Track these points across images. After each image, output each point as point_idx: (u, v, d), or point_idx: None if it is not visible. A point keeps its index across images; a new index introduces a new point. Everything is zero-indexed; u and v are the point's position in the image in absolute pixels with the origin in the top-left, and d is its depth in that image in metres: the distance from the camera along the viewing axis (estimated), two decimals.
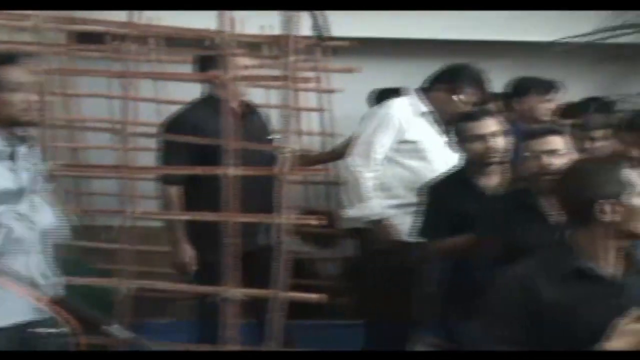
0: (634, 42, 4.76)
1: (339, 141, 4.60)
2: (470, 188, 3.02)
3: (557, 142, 2.72)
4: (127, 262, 3.34)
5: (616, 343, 1.89)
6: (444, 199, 3.06)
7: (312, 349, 3.30)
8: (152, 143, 3.63)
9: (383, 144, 3.40)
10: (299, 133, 4.58)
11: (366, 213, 3.42)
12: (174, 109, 3.79)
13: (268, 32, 4.08)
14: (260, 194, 3.11)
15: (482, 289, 2.32)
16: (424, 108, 3.47)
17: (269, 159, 3.22)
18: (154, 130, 3.69)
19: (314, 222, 3.23)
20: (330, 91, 4.53)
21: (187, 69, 3.73)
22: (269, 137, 3.51)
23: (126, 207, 3.30)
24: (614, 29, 4.84)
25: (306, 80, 3.89)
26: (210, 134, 3.17)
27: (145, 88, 4.00)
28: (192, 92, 3.63)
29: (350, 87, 4.42)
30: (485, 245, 2.79)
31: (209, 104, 3.38)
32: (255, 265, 3.17)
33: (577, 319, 1.99)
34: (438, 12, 4.87)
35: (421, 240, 3.18)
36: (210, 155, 3.12)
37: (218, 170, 3.05)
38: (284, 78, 3.04)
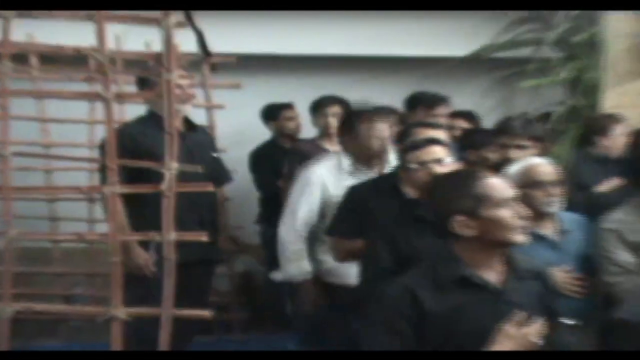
0: (523, 57, 4.99)
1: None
2: (385, 194, 3.05)
3: (439, 151, 2.78)
4: (6, 284, 3.26)
5: (499, 346, 1.96)
6: (358, 200, 3.12)
7: None
8: (35, 162, 3.60)
9: (307, 209, 3.48)
10: None
11: (287, 277, 3.55)
12: (58, 127, 3.76)
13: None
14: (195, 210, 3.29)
15: (372, 296, 2.39)
16: (345, 165, 3.51)
17: (210, 176, 3.31)
18: (37, 149, 3.63)
19: (204, 238, 3.29)
20: (220, 107, 4.59)
21: (70, 86, 3.71)
22: (213, 154, 3.58)
23: (6, 228, 3.23)
24: (505, 44, 5.11)
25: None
26: (148, 149, 3.28)
27: (27, 106, 3.93)
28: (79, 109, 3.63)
29: (233, 102, 4.52)
30: (374, 251, 2.80)
31: (149, 120, 3.49)
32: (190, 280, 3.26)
33: (460, 325, 2.02)
34: (324, 28, 5.05)
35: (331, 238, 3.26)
36: (146, 172, 3.17)
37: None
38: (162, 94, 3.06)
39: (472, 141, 3.70)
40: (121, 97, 3.23)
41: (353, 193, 3.15)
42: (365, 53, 5.26)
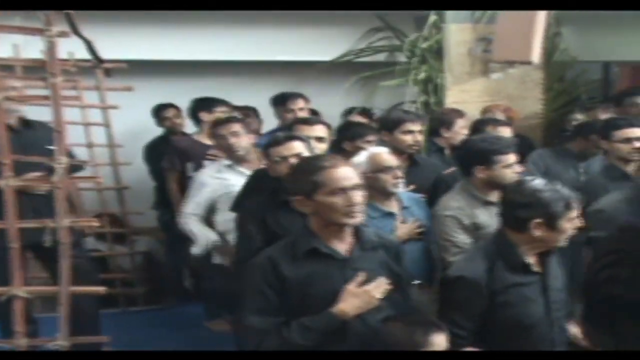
0: (381, 61, 5.55)
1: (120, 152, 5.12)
2: (260, 182, 3.43)
3: (298, 146, 3.08)
4: None
5: (343, 305, 2.23)
6: (252, 183, 3.53)
7: (115, 334, 3.77)
8: None
9: (197, 201, 3.98)
10: (90, 145, 5.08)
11: (203, 248, 3.97)
12: None
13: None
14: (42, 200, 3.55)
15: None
16: (224, 163, 4.01)
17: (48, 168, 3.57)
18: None
19: (95, 223, 3.70)
20: (114, 107, 4.96)
21: None
22: (49, 148, 3.79)
23: None
24: (362, 50, 5.66)
25: (77, 98, 4.33)
26: None
27: None
28: None
29: (127, 103, 4.89)
30: (247, 230, 3.12)
31: None
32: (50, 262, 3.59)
33: (312, 290, 2.27)
34: (207, 36, 5.46)
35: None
36: None
37: None
38: (48, 97, 3.41)
39: (349, 133, 4.05)
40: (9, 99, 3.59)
41: (250, 178, 3.58)
42: (244, 58, 5.70)
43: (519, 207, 2.53)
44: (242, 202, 3.42)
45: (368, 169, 3.34)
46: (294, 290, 2.28)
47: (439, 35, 5.05)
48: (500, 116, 4.72)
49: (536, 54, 4.60)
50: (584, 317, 1.09)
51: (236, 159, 3.94)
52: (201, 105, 4.88)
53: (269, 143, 3.23)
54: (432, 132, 4.48)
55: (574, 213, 2.48)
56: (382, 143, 3.79)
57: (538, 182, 2.57)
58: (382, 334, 2.28)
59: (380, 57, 5.56)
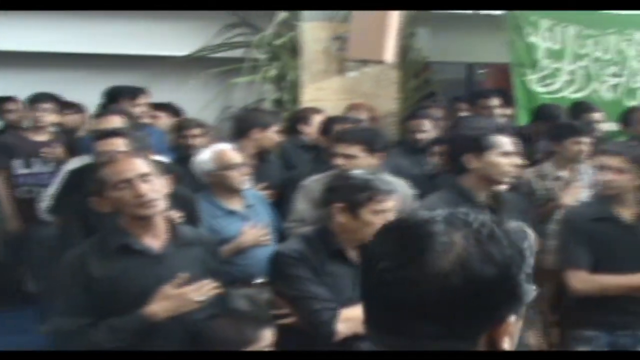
0: (236, 57, 5.41)
1: None
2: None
3: (118, 143, 3.02)
4: None
5: (155, 307, 2.16)
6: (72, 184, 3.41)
7: None
8: None
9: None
10: None
11: None
12: None
13: None
14: None
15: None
16: None
17: None
18: None
19: None
20: None
21: None
22: None
23: None
24: (219, 45, 5.57)
25: None
26: None
27: None
28: None
29: None
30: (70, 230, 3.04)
31: None
32: None
33: (122, 288, 2.20)
34: (54, 26, 5.17)
35: None
36: None
37: None
38: None
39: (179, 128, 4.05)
40: None
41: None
42: (93, 51, 5.49)
43: (326, 190, 2.53)
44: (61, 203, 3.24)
45: (213, 167, 3.26)
46: (105, 288, 2.21)
47: (293, 32, 5.00)
48: (363, 115, 4.78)
49: (390, 54, 4.67)
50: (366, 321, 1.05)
51: None
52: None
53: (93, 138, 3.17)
54: (290, 128, 4.46)
55: (382, 206, 2.38)
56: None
57: (360, 171, 2.56)
58: (208, 332, 2.22)
59: (239, 52, 5.45)
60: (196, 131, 4.17)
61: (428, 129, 4.53)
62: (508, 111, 5.08)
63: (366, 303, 1.03)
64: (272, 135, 3.93)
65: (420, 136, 4.47)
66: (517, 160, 2.92)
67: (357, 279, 2.41)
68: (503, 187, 2.91)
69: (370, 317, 1.03)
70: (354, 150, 3.24)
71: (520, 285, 0.98)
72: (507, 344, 0.99)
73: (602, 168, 2.98)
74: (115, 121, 3.45)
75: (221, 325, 2.24)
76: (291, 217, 3.37)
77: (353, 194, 2.39)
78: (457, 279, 0.94)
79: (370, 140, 3.32)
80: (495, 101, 5.12)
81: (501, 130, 2.98)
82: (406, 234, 1.00)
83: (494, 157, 2.83)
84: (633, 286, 2.87)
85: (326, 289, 2.37)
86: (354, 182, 2.43)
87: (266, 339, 2.22)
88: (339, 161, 3.22)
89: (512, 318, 0.99)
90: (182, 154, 4.05)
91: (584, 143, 3.86)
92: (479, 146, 2.84)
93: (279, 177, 3.91)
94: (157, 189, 2.27)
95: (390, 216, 2.36)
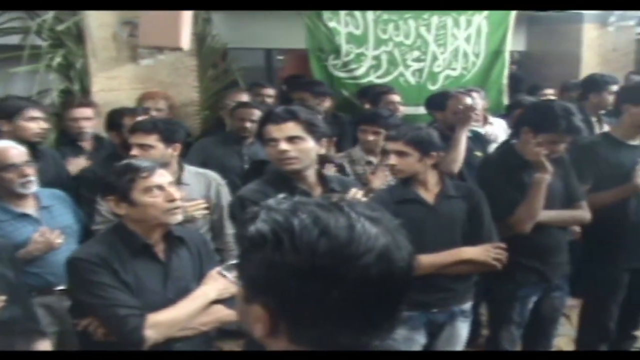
0: (15, 44, 4.92)
1: None
2: None
3: None
4: None
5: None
6: None
7: None
8: None
9: None
10: None
11: None
12: None
13: None
14: None
15: None
16: None
17: None
18: None
19: None
20: None
21: None
22: None
23: None
24: None
25: None
26: None
27: None
28: None
29: None
30: None
31: None
32: None
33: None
34: None
35: None
36: None
37: None
38: None
39: None
40: None
41: None
42: None
43: (98, 187, 2.61)
44: None
45: None
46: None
47: (77, 16, 4.61)
48: (161, 104, 4.58)
49: (185, 41, 4.48)
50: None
51: None
52: None
53: None
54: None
55: (148, 182, 2.35)
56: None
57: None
58: None
59: (16, 39, 4.91)
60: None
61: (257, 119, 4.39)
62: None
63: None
64: (25, 125, 3.61)
65: (248, 125, 4.29)
66: None
67: (167, 274, 2.34)
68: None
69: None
70: (150, 140, 3.19)
71: None
72: None
73: (387, 153, 3.06)
74: None
75: None
76: (97, 219, 3.22)
77: (116, 182, 2.35)
78: None
79: (166, 129, 3.25)
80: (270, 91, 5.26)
81: None
82: None
83: None
84: (442, 264, 2.94)
85: (130, 292, 2.28)
86: (113, 171, 2.40)
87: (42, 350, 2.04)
88: (135, 152, 3.14)
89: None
90: None
91: (373, 132, 3.94)
92: None
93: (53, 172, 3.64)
94: None
95: (168, 190, 2.36)
